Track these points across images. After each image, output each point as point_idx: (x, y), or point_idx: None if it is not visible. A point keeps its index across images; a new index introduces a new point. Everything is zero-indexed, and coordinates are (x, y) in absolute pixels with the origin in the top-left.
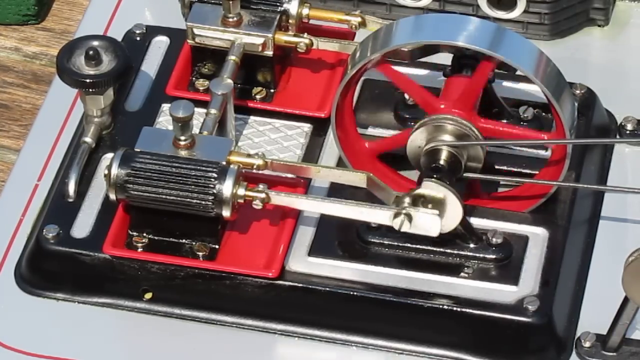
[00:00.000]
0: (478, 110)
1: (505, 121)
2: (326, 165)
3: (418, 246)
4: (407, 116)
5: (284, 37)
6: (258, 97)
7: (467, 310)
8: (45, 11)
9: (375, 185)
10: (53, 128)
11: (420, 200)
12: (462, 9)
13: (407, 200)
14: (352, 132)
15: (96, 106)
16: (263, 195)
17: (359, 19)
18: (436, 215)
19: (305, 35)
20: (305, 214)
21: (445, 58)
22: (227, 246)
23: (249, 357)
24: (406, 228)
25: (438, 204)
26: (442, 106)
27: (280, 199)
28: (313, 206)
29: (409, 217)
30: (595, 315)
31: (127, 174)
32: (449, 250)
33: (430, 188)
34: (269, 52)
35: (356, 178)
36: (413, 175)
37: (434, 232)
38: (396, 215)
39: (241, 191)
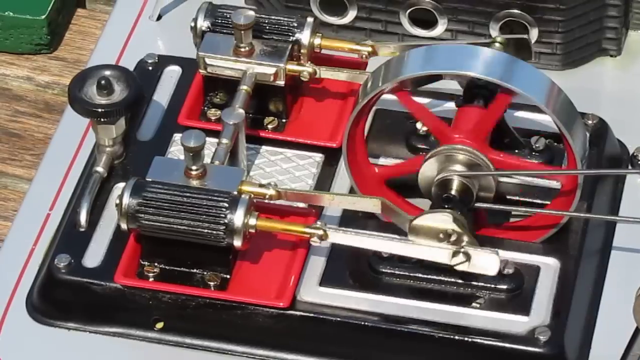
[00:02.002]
0: (490, 140)
1: (516, 151)
2: (339, 193)
3: (429, 276)
4: (419, 146)
5: (288, 66)
6: (270, 126)
7: (479, 340)
8: (58, 40)
9: (389, 210)
10: (65, 157)
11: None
12: (474, 39)
13: (465, 239)
14: (363, 162)
15: (108, 136)
16: (321, 232)
17: (369, 49)
18: (495, 254)
19: (309, 64)
20: (337, 246)
21: (454, 86)
22: (238, 276)
23: None
24: (464, 267)
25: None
26: (457, 136)
27: (339, 236)
28: (371, 244)
29: (468, 257)
30: (606, 346)
31: (139, 204)
32: (460, 281)
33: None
34: (281, 82)
35: (370, 204)
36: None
37: (492, 271)
38: (455, 255)
39: (252, 221)
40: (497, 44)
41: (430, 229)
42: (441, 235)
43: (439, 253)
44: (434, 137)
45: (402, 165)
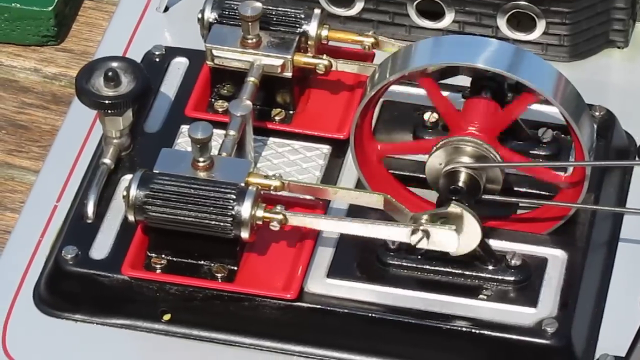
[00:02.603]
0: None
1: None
2: (343, 187)
3: (437, 268)
4: (426, 138)
5: (303, 59)
6: (277, 118)
7: (486, 332)
8: (65, 32)
9: (392, 206)
10: (72, 149)
11: (439, 221)
12: (481, 30)
13: (424, 217)
14: (371, 153)
15: (115, 127)
16: (280, 217)
17: (372, 40)
18: (453, 231)
19: (325, 56)
20: (324, 236)
21: (463, 79)
22: (245, 268)
23: None
24: (423, 245)
25: (457, 224)
26: (471, 129)
27: (297, 219)
28: (330, 226)
29: (427, 234)
30: (614, 337)
31: (146, 196)
32: (467, 272)
33: (452, 209)
34: (288, 74)
35: (373, 200)
36: (431, 196)
37: (451, 248)
38: (414, 232)
39: (260, 212)
40: None
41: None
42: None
43: (398, 232)
44: (441, 129)
45: (404, 145)
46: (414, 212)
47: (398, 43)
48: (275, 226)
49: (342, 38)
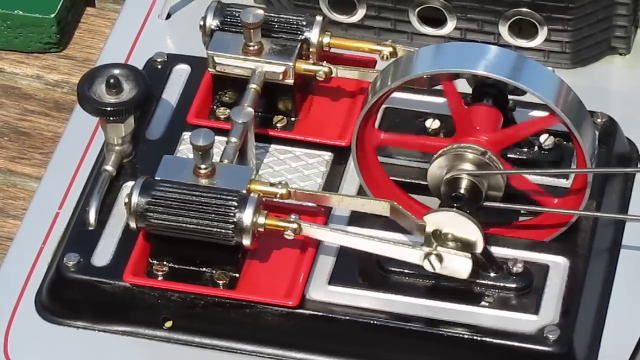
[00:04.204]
0: None
1: (525, 149)
2: (348, 195)
3: (438, 275)
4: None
5: (303, 66)
6: (279, 125)
7: (488, 339)
8: (67, 39)
9: (398, 213)
10: (74, 156)
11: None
12: (483, 37)
13: (437, 240)
14: (373, 160)
15: (117, 134)
16: (295, 226)
17: (390, 49)
18: (468, 258)
19: (325, 63)
20: (326, 243)
21: (463, 85)
22: (247, 275)
23: None
24: (437, 269)
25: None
26: (482, 137)
27: (311, 230)
28: (344, 241)
29: (440, 258)
30: (616, 345)
31: (148, 203)
32: (469, 279)
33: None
34: (290, 81)
35: (379, 207)
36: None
37: (464, 275)
38: (427, 256)
39: (261, 220)
40: None
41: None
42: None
43: (411, 253)
44: (442, 136)
45: (404, 137)
46: (420, 220)
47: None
48: (289, 235)
49: (349, 46)
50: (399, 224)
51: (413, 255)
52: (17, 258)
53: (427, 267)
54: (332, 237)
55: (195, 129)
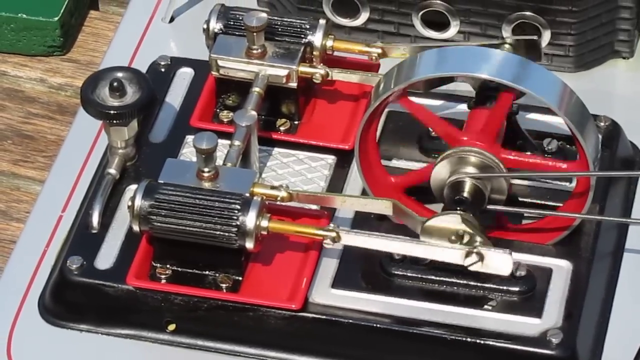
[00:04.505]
0: (502, 142)
1: (528, 153)
2: (350, 195)
3: (441, 278)
4: (431, 148)
5: (300, 68)
6: (282, 128)
7: (491, 342)
8: (71, 42)
9: (401, 212)
10: (77, 159)
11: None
12: (486, 41)
13: (478, 239)
14: (375, 164)
15: (120, 137)
16: (334, 234)
17: (379, 50)
18: (508, 254)
19: (321, 65)
20: (345, 245)
21: (466, 88)
22: (250, 278)
23: None
24: (477, 267)
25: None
26: (465, 138)
27: (351, 238)
28: (382, 245)
29: (481, 256)
30: (618, 348)
31: (151, 206)
32: (472, 283)
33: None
34: (293, 84)
35: (382, 206)
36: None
37: (505, 272)
38: (468, 255)
39: (264, 223)
40: (506, 45)
41: (441, 230)
42: (453, 237)
43: (451, 254)
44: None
45: (418, 173)
46: (423, 217)
47: (403, 46)
48: (329, 244)
49: (351, 49)
50: (400, 226)
51: (454, 255)
52: (21, 261)
53: (469, 265)
54: (371, 242)
55: (198, 132)
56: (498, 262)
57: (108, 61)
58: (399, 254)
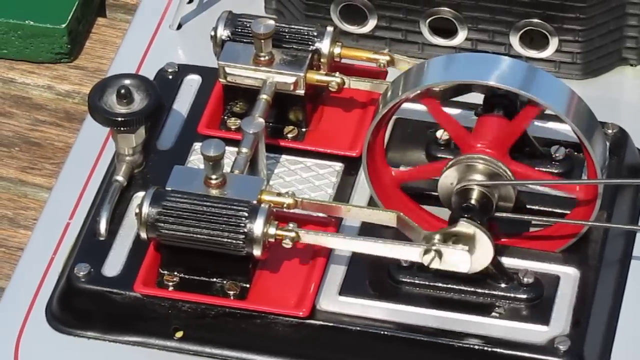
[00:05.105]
0: (510, 149)
1: (538, 168)
2: (356, 205)
3: (449, 286)
4: (439, 155)
5: (315, 76)
6: (290, 136)
7: (498, 350)
8: (78, 49)
9: (405, 224)
10: (85, 166)
11: (451, 239)
12: (494, 48)
13: (437, 237)
14: (383, 171)
15: (128, 145)
16: (293, 234)
17: (387, 58)
18: (465, 251)
19: (337, 74)
20: (337, 253)
21: (476, 97)
22: (258, 285)
23: None
24: (436, 265)
25: (469, 243)
26: (479, 145)
27: (309, 237)
28: (342, 244)
29: (439, 254)
30: (626, 356)
31: (158, 213)
32: (480, 290)
33: (464, 227)
34: (301, 91)
35: (386, 217)
36: (444, 213)
37: (463, 268)
38: (426, 252)
39: (272, 230)
40: None
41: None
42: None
43: (410, 251)
44: (454, 146)
45: (419, 170)
46: (427, 231)
47: (412, 60)
48: (287, 244)
49: (356, 56)
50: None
51: (412, 252)
52: (28, 268)
53: (427, 262)
54: (329, 241)
55: (206, 139)
56: (456, 258)
57: (115, 68)
58: (407, 261)
